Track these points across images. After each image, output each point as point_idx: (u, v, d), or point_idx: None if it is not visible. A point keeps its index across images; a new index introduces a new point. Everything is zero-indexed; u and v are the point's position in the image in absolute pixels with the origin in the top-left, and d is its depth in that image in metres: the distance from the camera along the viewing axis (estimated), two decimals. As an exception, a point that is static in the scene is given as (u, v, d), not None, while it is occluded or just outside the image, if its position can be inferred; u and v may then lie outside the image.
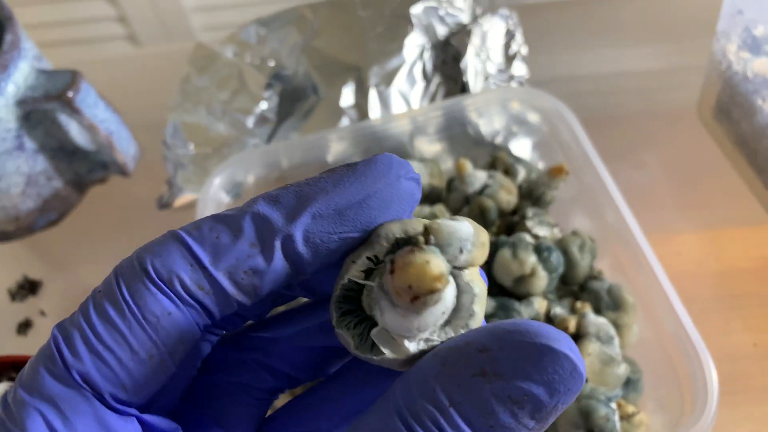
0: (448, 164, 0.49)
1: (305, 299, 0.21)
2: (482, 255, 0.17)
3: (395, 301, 0.17)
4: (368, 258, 0.18)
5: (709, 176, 0.53)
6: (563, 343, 0.15)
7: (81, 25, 0.62)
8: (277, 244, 0.17)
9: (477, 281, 0.18)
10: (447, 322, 0.17)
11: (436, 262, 0.16)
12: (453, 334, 0.17)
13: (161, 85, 0.54)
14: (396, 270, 0.16)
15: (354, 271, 0.18)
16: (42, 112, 0.43)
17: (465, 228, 0.17)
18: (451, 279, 0.17)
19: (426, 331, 0.17)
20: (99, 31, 0.62)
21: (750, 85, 0.44)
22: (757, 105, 0.43)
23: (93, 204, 0.50)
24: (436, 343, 0.17)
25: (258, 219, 0.17)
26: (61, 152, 0.46)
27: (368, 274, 0.18)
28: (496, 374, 0.15)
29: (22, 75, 0.42)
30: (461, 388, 0.15)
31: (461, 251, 0.17)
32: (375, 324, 0.18)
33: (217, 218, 0.18)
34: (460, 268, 0.17)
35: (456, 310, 0.17)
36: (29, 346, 0.46)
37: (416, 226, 0.18)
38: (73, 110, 0.41)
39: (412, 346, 0.17)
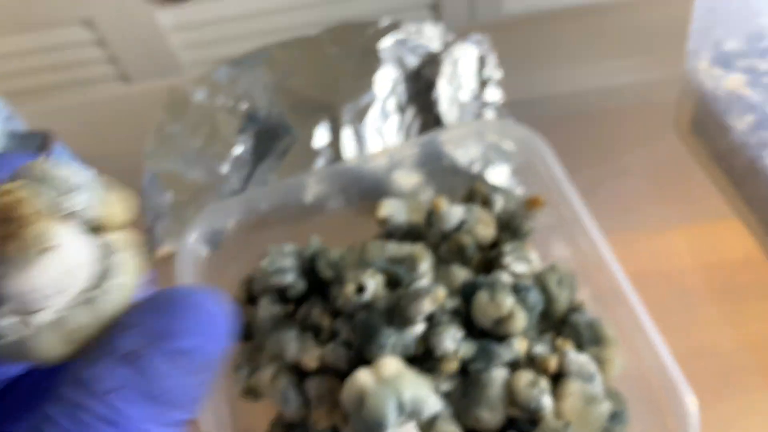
0: (428, 194, 0.49)
1: None
2: (116, 214, 0.16)
3: None
4: None
5: (690, 184, 0.53)
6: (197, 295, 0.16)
7: (71, 68, 0.62)
8: None
9: (123, 245, 0.16)
10: (87, 297, 0.16)
11: (7, 187, 0.14)
12: (92, 307, 0.16)
13: (147, 124, 0.54)
14: None
15: None
16: (16, 173, 0.43)
17: (65, 172, 0.15)
18: (67, 230, 0.15)
19: (54, 300, 0.15)
20: (88, 72, 0.63)
21: (722, 104, 0.44)
22: (730, 124, 0.43)
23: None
24: (65, 315, 0.15)
25: None
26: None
27: None
28: (153, 341, 0.16)
29: (-8, 139, 0.42)
30: (116, 373, 0.15)
31: (63, 195, 0.15)
32: None
33: None
34: (97, 229, 0.16)
35: (99, 279, 0.16)
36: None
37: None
38: (46, 172, 0.41)
39: (37, 319, 0.15)
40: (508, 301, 0.36)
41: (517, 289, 0.36)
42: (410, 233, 0.44)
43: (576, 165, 0.54)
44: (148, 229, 0.47)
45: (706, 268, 0.50)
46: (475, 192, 0.45)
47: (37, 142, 0.41)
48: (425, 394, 0.33)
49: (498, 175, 0.48)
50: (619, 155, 0.56)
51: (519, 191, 0.48)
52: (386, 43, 0.48)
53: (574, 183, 0.52)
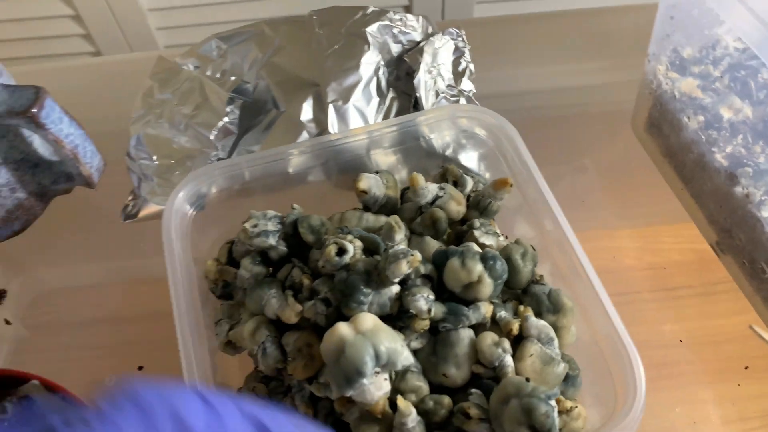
0: (402, 174, 0.52)
1: None
2: None
3: None
4: None
5: (643, 180, 0.57)
6: None
7: (46, 41, 0.63)
8: None
9: None
10: None
11: None
12: None
13: (126, 94, 0.56)
14: None
15: None
16: (5, 126, 0.44)
17: None
18: None
19: None
20: (64, 47, 0.63)
21: (677, 104, 0.48)
22: (684, 122, 0.47)
23: (58, 213, 0.51)
24: None
25: None
26: (25, 164, 0.47)
27: None
28: None
29: (-15, 91, 0.42)
30: None
31: None
32: None
33: None
34: None
35: None
36: (-6, 355, 0.47)
37: None
38: (38, 126, 0.42)
39: None
40: (477, 268, 0.39)
41: (486, 258, 0.39)
42: (386, 207, 0.47)
43: (537, 161, 0.57)
44: (133, 191, 0.48)
45: (649, 267, 0.54)
46: (447, 172, 0.49)
47: (30, 96, 0.42)
48: (399, 348, 0.36)
49: (468, 159, 0.51)
50: (579, 154, 0.60)
51: (487, 175, 0.51)
52: (372, 27, 0.50)
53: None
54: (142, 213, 0.47)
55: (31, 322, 0.49)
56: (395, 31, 0.51)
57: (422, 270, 0.40)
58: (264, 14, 0.79)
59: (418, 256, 0.37)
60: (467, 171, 0.50)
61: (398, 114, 0.52)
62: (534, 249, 0.43)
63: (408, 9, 0.72)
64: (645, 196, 0.56)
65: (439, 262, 0.40)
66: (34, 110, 0.42)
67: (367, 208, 0.47)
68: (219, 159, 0.48)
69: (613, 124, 0.59)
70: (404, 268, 0.37)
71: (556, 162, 0.58)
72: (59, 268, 0.51)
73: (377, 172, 0.48)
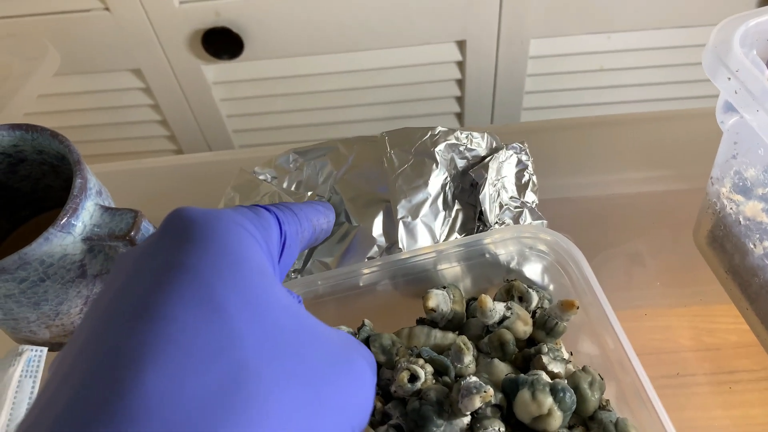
0: (466, 282, 0.54)
1: None
2: None
3: None
4: None
5: (695, 272, 0.58)
6: None
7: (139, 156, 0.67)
8: None
9: None
10: None
11: None
12: None
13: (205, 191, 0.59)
14: None
15: None
16: (104, 244, 0.48)
17: None
18: None
19: None
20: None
21: (742, 228, 0.49)
22: (749, 247, 0.48)
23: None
24: None
25: None
26: (115, 273, 0.51)
27: None
28: None
29: (88, 213, 0.46)
30: None
31: None
32: None
33: None
34: None
35: None
36: None
37: None
38: (133, 245, 0.46)
39: None
40: (548, 401, 0.40)
41: (556, 391, 0.40)
42: (453, 323, 0.49)
43: (595, 247, 0.58)
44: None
45: (703, 349, 0.54)
46: (513, 288, 0.50)
47: (129, 220, 0.46)
48: (472, 483, 0.37)
49: (532, 271, 0.53)
50: (636, 243, 0.61)
51: (551, 287, 0.52)
52: (440, 147, 0.53)
53: (590, 262, 0.57)
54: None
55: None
56: (461, 148, 0.54)
57: (492, 400, 0.41)
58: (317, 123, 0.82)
59: (490, 391, 0.39)
60: (531, 284, 0.52)
61: (463, 224, 0.54)
62: (602, 378, 0.44)
63: (459, 116, 0.75)
64: (701, 275, 0.57)
65: (508, 390, 0.42)
66: (132, 233, 0.45)
67: (434, 323, 0.49)
68: (294, 270, 0.51)
69: (673, 231, 0.60)
70: (477, 403, 0.39)
71: (610, 247, 0.60)
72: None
73: (444, 287, 0.50)
